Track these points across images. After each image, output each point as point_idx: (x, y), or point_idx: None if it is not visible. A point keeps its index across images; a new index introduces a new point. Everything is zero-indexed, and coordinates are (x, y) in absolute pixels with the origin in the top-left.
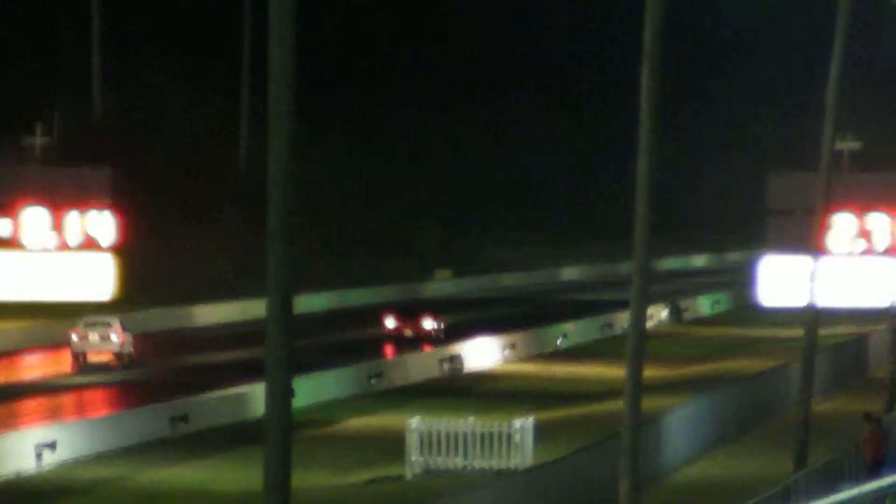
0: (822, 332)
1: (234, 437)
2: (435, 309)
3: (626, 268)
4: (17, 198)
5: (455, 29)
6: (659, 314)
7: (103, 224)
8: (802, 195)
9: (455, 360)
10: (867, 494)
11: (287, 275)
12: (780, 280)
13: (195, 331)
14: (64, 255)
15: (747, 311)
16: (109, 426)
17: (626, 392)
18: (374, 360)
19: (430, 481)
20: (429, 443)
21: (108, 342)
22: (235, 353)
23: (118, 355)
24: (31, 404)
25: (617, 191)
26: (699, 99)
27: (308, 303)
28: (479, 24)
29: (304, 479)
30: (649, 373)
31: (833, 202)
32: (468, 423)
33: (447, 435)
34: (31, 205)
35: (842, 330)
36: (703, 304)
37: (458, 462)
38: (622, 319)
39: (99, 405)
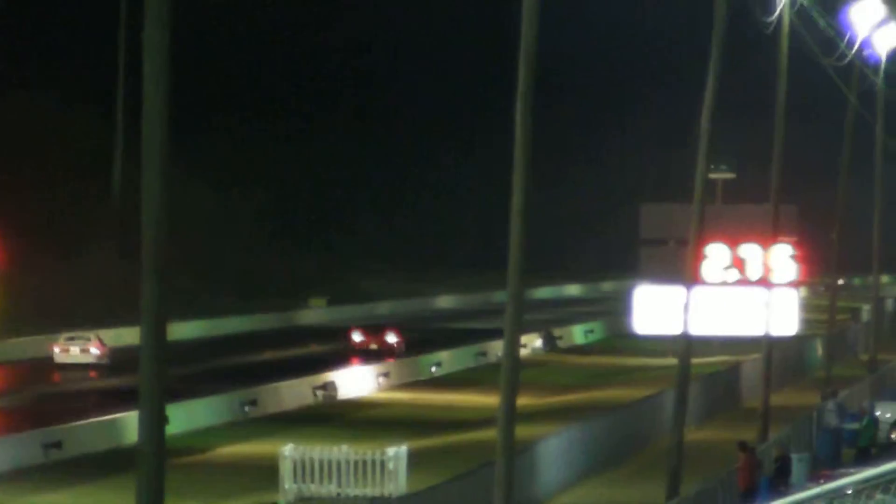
0: (696, 360)
1: (108, 463)
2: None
3: (499, 296)
4: None
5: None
6: (533, 342)
7: None
8: (676, 226)
9: (328, 387)
10: None
11: (160, 304)
12: (655, 309)
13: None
14: None
15: (621, 339)
16: None
17: (500, 420)
18: (248, 388)
19: None
20: (302, 470)
21: (87, 355)
22: (109, 381)
23: (97, 367)
24: None
25: (493, 219)
26: (577, 135)
27: (179, 331)
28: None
29: None
30: (523, 401)
31: (706, 233)
32: (342, 450)
33: (321, 462)
34: None
35: (715, 359)
36: (577, 333)
37: (331, 489)
38: (496, 348)
39: None
